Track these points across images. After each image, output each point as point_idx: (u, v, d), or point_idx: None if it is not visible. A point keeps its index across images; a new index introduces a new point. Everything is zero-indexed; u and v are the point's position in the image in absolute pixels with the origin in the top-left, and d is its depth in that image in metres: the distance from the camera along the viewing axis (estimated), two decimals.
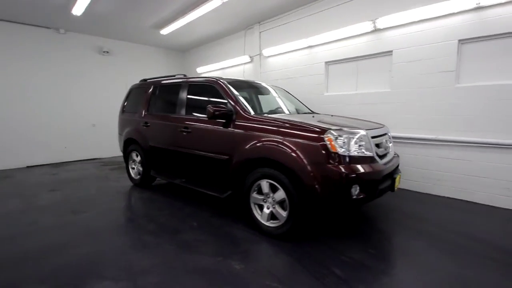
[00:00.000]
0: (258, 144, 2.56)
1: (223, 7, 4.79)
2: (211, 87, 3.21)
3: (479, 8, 3.15)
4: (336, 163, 2.17)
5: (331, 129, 2.24)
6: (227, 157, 2.84)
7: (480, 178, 3.35)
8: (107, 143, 7.03)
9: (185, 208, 3.35)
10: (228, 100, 2.94)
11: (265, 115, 2.93)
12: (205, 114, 3.09)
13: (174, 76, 3.94)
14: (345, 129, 2.31)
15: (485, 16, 3.13)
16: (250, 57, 6.17)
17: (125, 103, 4.56)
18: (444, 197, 3.64)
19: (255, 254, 2.29)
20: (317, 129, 2.28)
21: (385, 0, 3.90)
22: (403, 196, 3.68)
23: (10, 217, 3.13)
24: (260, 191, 2.60)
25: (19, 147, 5.91)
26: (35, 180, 4.86)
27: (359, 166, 2.21)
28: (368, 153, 2.32)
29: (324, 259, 2.17)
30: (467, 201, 3.45)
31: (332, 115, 3.50)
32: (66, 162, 6.53)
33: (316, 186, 2.18)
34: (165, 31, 6.12)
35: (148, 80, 4.32)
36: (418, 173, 3.83)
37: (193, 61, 8.16)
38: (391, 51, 3.92)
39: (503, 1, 2.98)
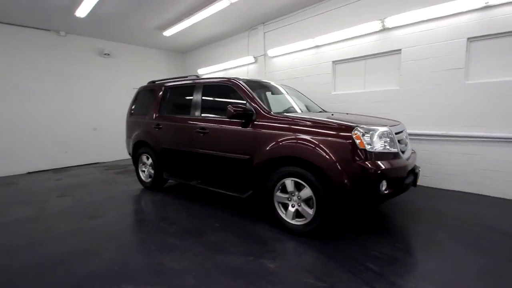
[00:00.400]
0: (281, 143, 2.56)
1: (229, 8, 4.78)
2: (227, 87, 3.20)
3: (487, 7, 3.25)
4: (364, 160, 2.19)
5: (358, 126, 2.27)
6: (248, 156, 2.83)
7: (491, 172, 3.43)
8: (109, 147, 6.97)
9: (203, 210, 3.33)
10: (247, 100, 2.94)
11: (285, 114, 2.93)
12: (222, 115, 3.11)
13: (186, 77, 3.91)
14: (371, 126, 2.34)
15: (493, 14, 3.23)
16: (255, 57, 6.18)
17: (133, 106, 4.48)
18: (456, 191, 3.72)
19: (285, 253, 2.29)
20: (344, 126, 2.30)
21: (393, 0, 3.97)
22: (415, 191, 3.72)
23: (25, 224, 3.04)
24: (284, 190, 2.61)
25: (19, 153, 5.75)
26: (40, 186, 4.74)
27: (386, 162, 2.25)
28: (393, 149, 2.36)
29: (355, 254, 2.19)
30: (479, 195, 3.53)
31: (347, 113, 3.54)
32: (68, 167, 6.40)
33: (346, 182, 2.20)
34: (168, 32, 6.07)
35: (157, 82, 4.27)
36: (429, 169, 3.90)
37: (195, 62, 8.11)
38: (400, 49, 3.99)
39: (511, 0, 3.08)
